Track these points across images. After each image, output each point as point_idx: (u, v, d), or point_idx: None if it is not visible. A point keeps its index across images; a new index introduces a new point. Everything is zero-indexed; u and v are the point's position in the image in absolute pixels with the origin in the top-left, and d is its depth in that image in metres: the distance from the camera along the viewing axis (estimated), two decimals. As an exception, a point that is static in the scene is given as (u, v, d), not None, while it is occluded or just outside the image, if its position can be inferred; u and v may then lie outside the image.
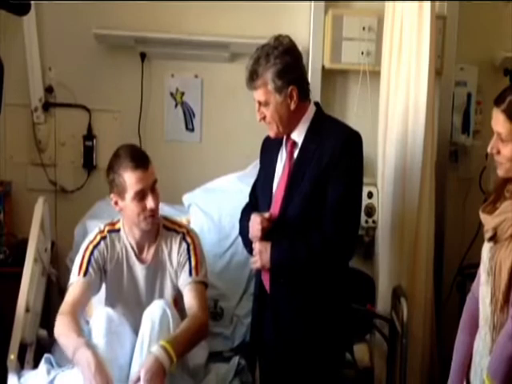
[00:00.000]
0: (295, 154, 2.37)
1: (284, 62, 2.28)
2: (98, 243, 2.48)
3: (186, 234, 2.52)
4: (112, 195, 2.44)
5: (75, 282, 2.44)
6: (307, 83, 2.40)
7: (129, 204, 2.39)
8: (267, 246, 2.32)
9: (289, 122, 2.34)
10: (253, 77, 2.31)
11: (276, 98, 2.30)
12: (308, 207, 2.31)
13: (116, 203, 2.44)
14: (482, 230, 3.27)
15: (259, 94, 2.32)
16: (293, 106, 2.31)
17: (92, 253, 2.46)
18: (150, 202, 2.37)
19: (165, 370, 2.18)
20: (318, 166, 2.29)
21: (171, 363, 2.19)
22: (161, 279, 2.51)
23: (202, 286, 2.48)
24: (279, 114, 2.32)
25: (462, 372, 1.99)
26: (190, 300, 2.43)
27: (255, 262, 2.37)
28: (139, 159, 2.39)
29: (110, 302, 2.52)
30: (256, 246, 2.36)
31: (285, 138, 2.42)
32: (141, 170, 2.36)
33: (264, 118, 2.34)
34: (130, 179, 2.36)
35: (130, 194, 2.37)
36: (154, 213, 2.40)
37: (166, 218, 2.57)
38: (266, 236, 2.34)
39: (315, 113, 2.39)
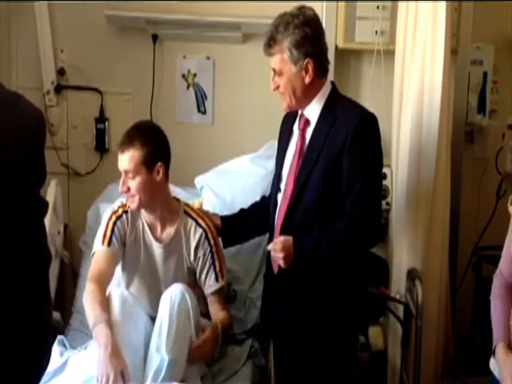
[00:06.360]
0: (307, 134, 2.34)
1: (303, 33, 2.24)
2: (121, 215, 2.49)
3: (208, 231, 2.52)
4: None
5: (99, 251, 2.44)
6: (326, 59, 2.36)
7: None
8: (290, 251, 2.25)
9: (302, 95, 2.30)
10: (270, 43, 2.28)
11: (291, 68, 2.26)
12: (323, 193, 2.27)
13: None
14: (497, 210, 3.32)
15: (274, 62, 2.29)
16: (307, 80, 2.27)
17: (115, 223, 2.47)
18: (120, 183, 2.44)
19: None
20: (331, 151, 2.25)
21: None
22: (176, 261, 2.51)
23: (225, 287, 2.56)
24: (293, 86, 2.28)
25: (506, 331, 2.01)
26: (217, 310, 2.51)
27: (277, 260, 2.31)
28: (124, 141, 2.44)
29: (127, 275, 2.52)
30: (278, 255, 2.26)
31: (299, 114, 2.38)
32: (120, 151, 2.43)
33: (277, 87, 2.31)
34: None
35: None
36: (129, 195, 2.43)
37: (187, 204, 2.58)
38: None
39: (330, 92, 2.34)
